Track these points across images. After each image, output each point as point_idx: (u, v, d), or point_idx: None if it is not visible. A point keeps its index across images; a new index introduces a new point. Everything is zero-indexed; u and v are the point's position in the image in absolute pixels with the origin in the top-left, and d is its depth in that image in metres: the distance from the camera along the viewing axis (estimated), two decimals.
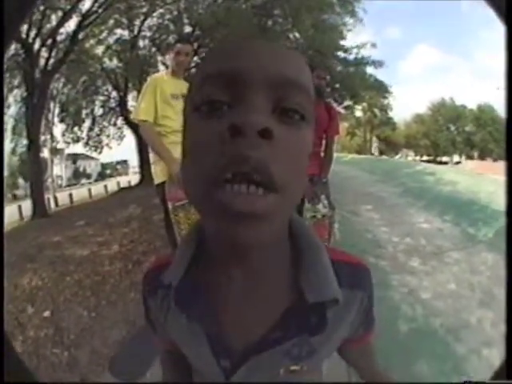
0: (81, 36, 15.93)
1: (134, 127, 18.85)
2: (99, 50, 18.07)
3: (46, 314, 4.69)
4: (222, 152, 0.62)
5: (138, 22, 17.53)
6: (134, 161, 32.22)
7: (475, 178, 19.54)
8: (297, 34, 18.20)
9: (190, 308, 0.87)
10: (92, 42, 17.49)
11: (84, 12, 15.03)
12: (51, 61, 15.27)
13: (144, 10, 16.71)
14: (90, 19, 15.28)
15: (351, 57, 20.53)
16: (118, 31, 17.85)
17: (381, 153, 58.50)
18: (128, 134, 21.64)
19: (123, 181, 27.68)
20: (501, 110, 58.34)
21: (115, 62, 18.66)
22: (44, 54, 15.20)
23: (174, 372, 1.16)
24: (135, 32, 17.76)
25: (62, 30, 15.17)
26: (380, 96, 35.23)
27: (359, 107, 37.23)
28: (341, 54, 20.25)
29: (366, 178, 18.06)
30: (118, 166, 54.18)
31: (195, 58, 13.52)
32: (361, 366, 1.19)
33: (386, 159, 37.82)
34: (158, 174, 4.50)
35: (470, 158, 58.55)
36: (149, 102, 4.42)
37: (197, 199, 0.69)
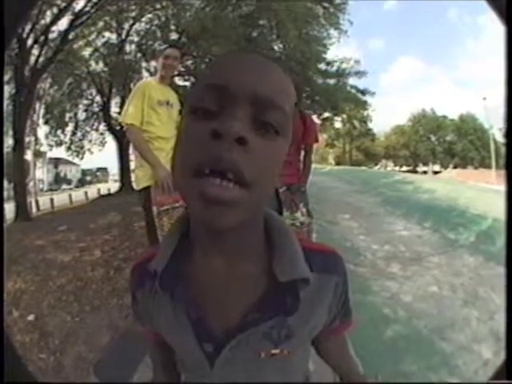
0: (71, 36, 15.77)
1: (116, 133, 19.03)
2: (87, 51, 17.91)
3: (31, 317, 4.71)
4: (203, 151, 0.74)
5: (126, 26, 17.42)
6: (113, 169, 31.87)
7: (454, 185, 19.71)
8: (281, 45, 18.20)
9: (173, 294, 0.93)
10: (81, 43, 17.32)
11: (77, 11, 14.86)
12: (41, 59, 15.12)
13: (133, 14, 16.61)
14: (82, 19, 15.10)
15: (333, 69, 20.50)
16: (107, 34, 17.73)
17: (360, 163, 58.44)
18: (109, 140, 21.50)
19: (103, 188, 27.53)
20: (483, 119, 58.82)
21: (101, 65, 18.46)
22: (35, 51, 15.00)
23: (162, 364, 1.24)
24: (123, 36, 17.65)
25: (54, 28, 14.95)
26: (360, 108, 35.45)
27: (339, 119, 37.27)
28: (322, 66, 20.14)
29: (344, 188, 18.13)
30: (98, 173, 53.89)
31: (180, 66, 13.50)
32: (334, 358, 1.27)
33: (364, 170, 37.83)
34: (141, 179, 4.53)
35: (450, 166, 58.88)
36: (136, 107, 4.47)
37: (181, 186, 0.80)
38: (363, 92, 23.27)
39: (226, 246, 0.91)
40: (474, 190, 18.73)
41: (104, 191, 23.72)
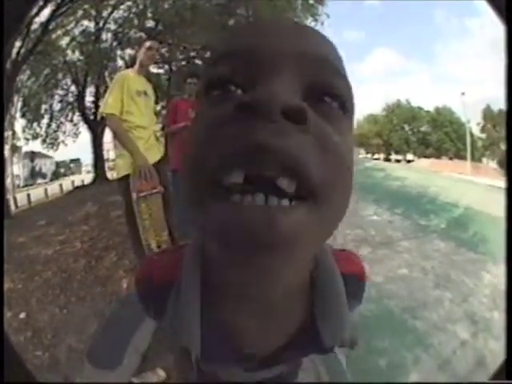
0: (51, 26, 15.48)
1: (90, 123, 18.72)
2: (64, 41, 17.46)
3: (22, 315, 4.75)
4: (228, 144, 0.50)
5: (105, 14, 17.04)
6: (85, 159, 31.42)
7: (426, 174, 19.97)
8: None
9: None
10: (59, 32, 16.92)
11: (60, 1, 14.66)
12: (22, 50, 14.75)
13: (113, 1, 16.41)
14: (63, 9, 14.95)
15: None
16: (85, 23, 17.16)
17: None
18: (83, 130, 20.76)
19: (77, 180, 27.30)
20: (460, 113, 59.00)
21: (77, 54, 17.89)
22: (17, 43, 14.42)
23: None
24: (100, 24, 17.20)
25: (36, 19, 14.61)
26: None
27: None
28: None
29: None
30: (72, 165, 53.20)
31: None
32: None
33: None
34: (121, 167, 4.63)
35: (425, 156, 59.07)
36: (116, 98, 4.57)
37: (191, 212, 0.57)
38: None
39: (263, 294, 0.73)
40: (447, 179, 18.84)
41: (78, 183, 23.46)
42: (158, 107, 14.90)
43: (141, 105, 4.73)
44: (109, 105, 4.55)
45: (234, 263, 0.54)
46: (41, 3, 13.67)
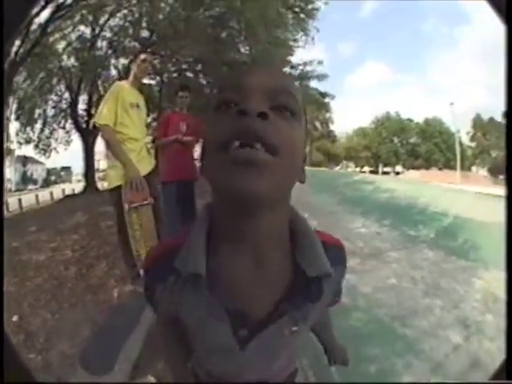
0: (50, 29, 15.33)
1: (83, 132, 18.51)
2: (61, 45, 17.36)
3: (15, 318, 4.74)
4: (232, 127, 0.84)
5: (101, 21, 16.78)
6: (76, 168, 31.21)
7: (415, 185, 19.90)
8: (247, 47, 17.97)
9: (212, 289, 0.98)
10: (57, 35, 16.78)
11: (60, 3, 14.50)
12: (21, 51, 14.67)
13: (110, 8, 16.16)
14: (63, 11, 14.78)
15: (296, 72, 20.32)
16: (82, 28, 17.15)
17: (320, 164, 58.46)
18: (75, 138, 20.43)
19: (67, 188, 27.18)
20: (450, 123, 59.42)
21: (72, 60, 17.80)
22: (17, 42, 14.24)
23: (174, 344, 1.36)
24: (97, 31, 16.99)
25: (36, 20, 14.41)
26: (322, 110, 35.73)
27: None
28: (287, 69, 19.83)
29: (304, 188, 17.32)
30: (62, 173, 53.02)
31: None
32: (321, 327, 1.58)
33: (325, 170, 37.61)
34: (113, 177, 4.71)
35: (414, 168, 59.21)
36: (110, 109, 4.65)
37: (214, 159, 0.88)
38: (323, 95, 23.29)
39: (260, 235, 0.96)
40: (436, 189, 18.82)
41: (68, 191, 23.37)
42: (149, 119, 14.76)
43: (134, 117, 4.83)
44: (103, 115, 4.63)
45: (231, 212, 0.93)
46: (42, 3, 13.56)
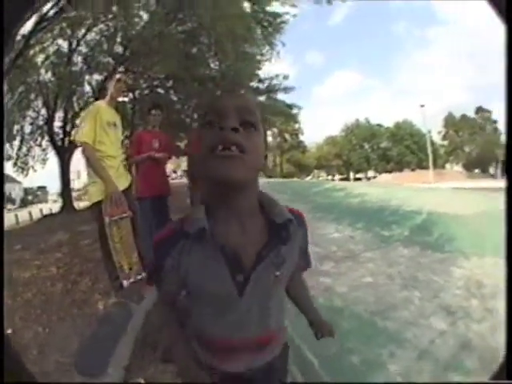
0: (32, 41, 14.88)
1: (59, 149, 18.09)
2: (40, 58, 16.81)
3: (9, 331, 4.76)
4: (216, 138, 1.26)
5: (79, 35, 16.38)
6: (52, 188, 30.47)
7: (386, 188, 20.01)
8: (217, 63, 18.02)
9: (215, 242, 1.35)
10: (37, 48, 16.20)
11: (43, 14, 13.97)
12: (6, 60, 13.96)
13: (88, 22, 15.53)
14: (44, 23, 14.28)
15: (264, 86, 20.33)
16: (60, 41, 16.75)
17: (292, 175, 59.38)
18: (50, 156, 20.00)
19: (44, 208, 26.89)
20: (420, 124, 59.88)
21: (49, 75, 17.41)
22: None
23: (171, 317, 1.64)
24: (74, 45, 16.75)
25: (20, 31, 14.03)
26: (290, 121, 36.00)
27: (269, 133, 37.60)
28: (254, 83, 20.04)
29: (275, 198, 17.01)
30: (39, 192, 52.46)
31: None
32: (300, 297, 1.87)
33: (296, 181, 37.59)
34: (94, 194, 4.87)
35: (386, 171, 59.51)
36: (90, 127, 4.81)
37: (204, 160, 1.29)
38: (290, 106, 23.42)
39: (240, 207, 1.38)
40: (409, 190, 19.03)
41: (46, 211, 23.11)
42: (122, 137, 14.59)
43: (111, 135, 5.03)
44: (84, 134, 4.79)
45: (220, 191, 1.34)
46: (30, 11, 13.20)
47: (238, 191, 1.34)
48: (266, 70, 20.29)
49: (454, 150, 62.29)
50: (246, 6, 16.92)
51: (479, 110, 62.51)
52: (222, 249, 1.34)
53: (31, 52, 16.09)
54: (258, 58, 19.00)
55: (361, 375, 3.53)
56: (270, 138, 50.02)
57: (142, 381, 3.25)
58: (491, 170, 58.49)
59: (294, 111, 25.15)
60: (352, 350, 3.88)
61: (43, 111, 18.67)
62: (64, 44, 16.92)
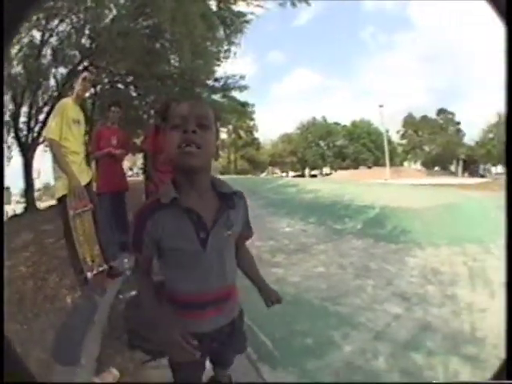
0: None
1: (23, 146, 17.33)
2: (14, 50, 15.70)
3: None
4: (180, 138, 1.65)
5: (52, 26, 15.63)
6: (14, 188, 29.28)
7: (340, 184, 20.39)
8: (177, 59, 17.34)
9: (185, 208, 1.74)
10: (15, 39, 15.67)
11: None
12: None
13: (63, 13, 15.09)
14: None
15: (219, 84, 20.30)
16: (34, 33, 15.96)
17: (246, 172, 58.21)
18: (14, 155, 19.13)
19: (8, 209, 26.27)
20: (378, 124, 60.26)
21: (20, 68, 16.41)
22: None
23: (150, 287, 1.98)
24: (46, 37, 15.96)
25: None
26: (244, 119, 35.99)
27: (224, 129, 37.40)
28: (211, 82, 19.81)
29: None
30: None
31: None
32: (248, 265, 2.23)
33: (250, 178, 37.09)
34: (59, 188, 5.04)
35: (342, 169, 59.66)
36: (57, 124, 4.96)
37: (173, 153, 1.68)
38: (243, 104, 23.48)
39: (199, 185, 1.80)
40: (362, 185, 19.45)
41: (10, 212, 22.74)
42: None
43: (75, 132, 5.16)
44: (51, 130, 4.98)
45: (184, 175, 1.77)
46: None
47: (196, 173, 1.76)
48: (224, 69, 20.15)
49: (412, 148, 62.81)
50: (212, 3, 16.97)
51: (441, 111, 63.13)
52: (188, 212, 1.74)
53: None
54: (218, 56, 18.92)
55: (314, 355, 3.63)
56: (224, 135, 49.26)
57: (115, 371, 3.33)
58: (452, 168, 59.21)
59: (248, 109, 25.20)
60: (304, 333, 4.00)
61: (11, 106, 18.14)
62: (37, 35, 16.18)
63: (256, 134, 65.05)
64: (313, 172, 64.55)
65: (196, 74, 17.00)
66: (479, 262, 6.05)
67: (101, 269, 5.14)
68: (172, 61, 17.85)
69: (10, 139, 18.20)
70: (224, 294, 1.97)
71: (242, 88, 20.34)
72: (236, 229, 1.94)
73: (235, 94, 20.78)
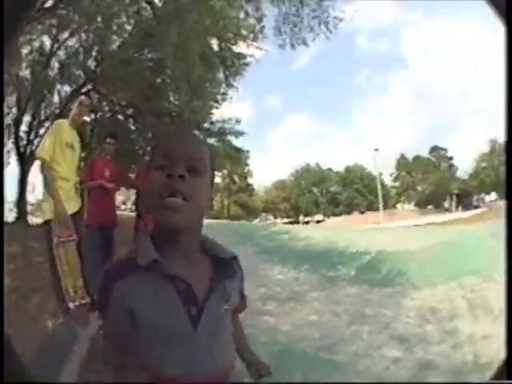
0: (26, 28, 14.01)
1: (21, 156, 17.38)
2: (25, 50, 16.21)
3: None
4: (164, 184, 1.26)
5: (62, 38, 16.38)
6: (8, 196, 29.03)
7: (333, 231, 20.51)
8: (177, 97, 17.51)
9: (168, 275, 1.31)
10: (28, 37, 15.49)
11: (41, 2, 13.25)
12: None
13: (74, 26, 15.04)
14: (39, 13, 13.51)
15: (215, 129, 20.88)
16: (45, 39, 16.45)
17: (239, 218, 58.58)
18: (12, 162, 18.77)
19: None
20: (371, 168, 60.82)
21: (27, 72, 16.83)
22: None
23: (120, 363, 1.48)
24: (55, 48, 16.56)
25: None
26: (237, 165, 36.28)
27: (219, 173, 37.81)
28: (207, 125, 20.40)
29: (221, 241, 16.75)
30: None
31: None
32: (237, 338, 1.67)
33: (243, 223, 37.37)
34: (47, 211, 4.82)
35: (335, 215, 60.12)
36: (50, 144, 4.83)
37: (152, 204, 1.30)
38: (238, 150, 23.74)
39: (186, 247, 1.38)
40: (356, 231, 19.37)
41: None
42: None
43: (67, 156, 5.00)
44: (44, 150, 4.86)
45: (166, 234, 1.34)
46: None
47: (182, 233, 1.35)
48: (220, 113, 20.36)
49: (405, 190, 63.40)
50: (214, 42, 17.17)
51: (434, 149, 63.74)
52: (173, 280, 1.32)
53: (21, 39, 15.44)
54: (215, 98, 19.05)
55: None
56: (218, 179, 50.12)
57: None
58: (446, 205, 59.44)
59: (243, 155, 25.47)
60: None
61: (14, 110, 17.96)
62: (47, 43, 16.67)
63: (250, 180, 65.39)
64: (306, 219, 64.87)
65: (193, 114, 17.19)
66: (478, 293, 5.99)
67: (83, 301, 4.91)
68: (171, 98, 18.12)
69: (9, 144, 18.25)
70: (218, 378, 1.42)
71: (238, 134, 20.60)
72: (233, 301, 1.48)
73: (231, 138, 20.99)
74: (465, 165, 64.36)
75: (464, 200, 57.37)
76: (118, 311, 1.35)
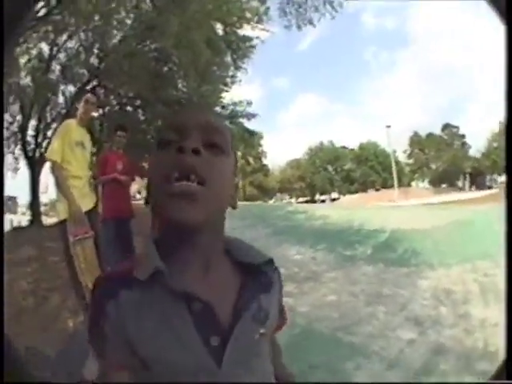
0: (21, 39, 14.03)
1: (30, 159, 17.30)
2: (24, 59, 16.07)
3: None
4: (172, 163, 0.92)
5: (61, 42, 16.24)
6: (21, 199, 29.01)
7: (349, 209, 20.06)
8: (185, 84, 17.61)
9: (176, 287, 0.91)
10: (24, 47, 15.50)
11: (36, 11, 13.06)
12: None
13: (71, 29, 14.87)
14: (33, 22, 13.23)
15: (226, 112, 20.16)
16: (43, 45, 16.29)
17: (255, 199, 57.70)
18: (22, 166, 18.45)
19: (14, 219, 26.15)
20: (385, 145, 60.21)
21: (28, 79, 16.72)
22: None
23: None
24: (54, 51, 16.43)
25: None
26: (249, 148, 35.87)
27: None
28: (218, 109, 19.54)
29: (237, 223, 16.25)
30: (9, 202, 51.11)
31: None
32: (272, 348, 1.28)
33: (258, 204, 36.40)
34: (61, 211, 4.81)
35: (350, 193, 59.70)
36: (59, 145, 4.77)
37: (157, 194, 0.96)
38: (251, 133, 23.49)
39: (203, 250, 1.00)
40: (371, 210, 19.33)
41: (15, 222, 22.62)
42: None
43: (78, 155, 4.94)
44: (53, 152, 4.80)
45: (175, 233, 0.98)
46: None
47: (197, 232, 0.96)
48: (230, 96, 20.07)
49: (419, 168, 62.76)
50: (219, 27, 17.14)
51: (446, 126, 63.05)
52: (185, 299, 0.93)
53: (18, 50, 15.42)
54: (225, 81, 19.05)
55: None
56: None
57: None
58: (459, 184, 59.33)
59: (255, 137, 25.20)
60: (316, 365, 3.85)
61: (19, 117, 17.99)
62: (46, 48, 16.57)
63: (264, 161, 64.95)
64: (322, 197, 64.39)
65: (203, 99, 16.89)
66: (490, 277, 6.00)
67: None
68: (180, 85, 18.07)
69: (17, 150, 18.64)
70: None
71: (250, 116, 20.35)
72: (272, 321, 1.09)
73: (242, 121, 20.80)
74: (477, 143, 63.83)
75: (477, 179, 56.92)
76: (112, 345, 0.97)
